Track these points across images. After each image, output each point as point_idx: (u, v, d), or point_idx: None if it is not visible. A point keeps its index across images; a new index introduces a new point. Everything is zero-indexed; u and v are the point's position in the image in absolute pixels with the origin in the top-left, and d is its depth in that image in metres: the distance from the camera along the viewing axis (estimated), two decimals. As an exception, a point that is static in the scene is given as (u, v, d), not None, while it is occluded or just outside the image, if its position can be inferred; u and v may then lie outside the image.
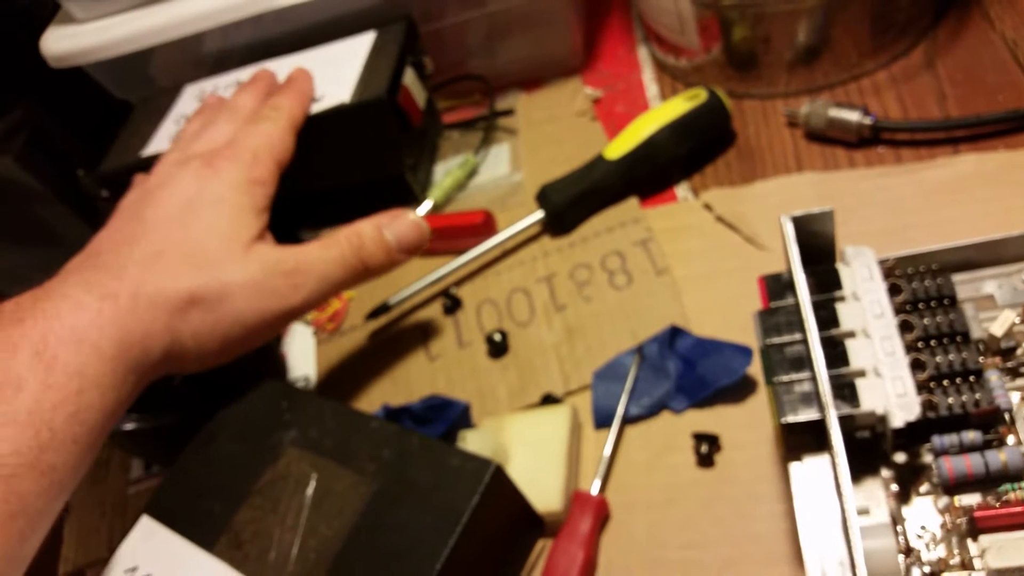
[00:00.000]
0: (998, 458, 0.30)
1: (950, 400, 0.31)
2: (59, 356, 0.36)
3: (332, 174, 0.57)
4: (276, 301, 0.43)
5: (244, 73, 0.59)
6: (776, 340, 0.33)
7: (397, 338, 0.52)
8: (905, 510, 0.31)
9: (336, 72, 0.55)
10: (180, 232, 0.43)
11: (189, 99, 0.59)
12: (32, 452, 0.34)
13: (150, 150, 0.57)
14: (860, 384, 0.31)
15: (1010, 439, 0.31)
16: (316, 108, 0.53)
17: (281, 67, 0.58)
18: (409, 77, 0.56)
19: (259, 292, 0.42)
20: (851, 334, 0.32)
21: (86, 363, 0.36)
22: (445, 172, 0.59)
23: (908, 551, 0.30)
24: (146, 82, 0.64)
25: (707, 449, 0.40)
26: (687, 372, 0.43)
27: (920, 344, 0.32)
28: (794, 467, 0.32)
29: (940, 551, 0.30)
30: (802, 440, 0.33)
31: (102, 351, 0.37)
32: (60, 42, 0.60)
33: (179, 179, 0.45)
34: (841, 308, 0.33)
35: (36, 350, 0.36)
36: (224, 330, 0.41)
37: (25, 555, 0.35)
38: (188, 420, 0.45)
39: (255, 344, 0.44)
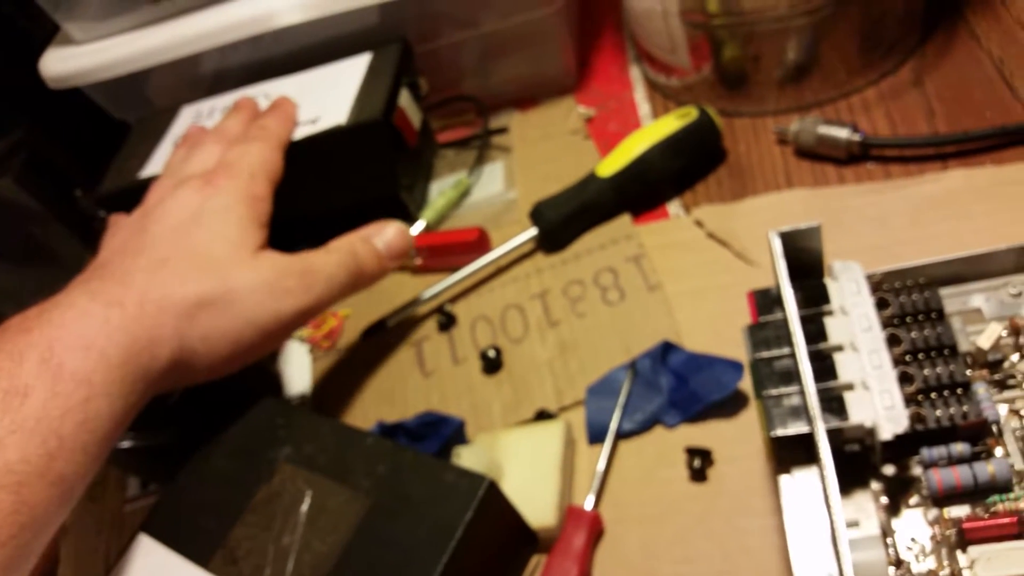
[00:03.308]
0: (986, 470, 0.30)
1: (938, 413, 0.31)
2: (66, 363, 0.36)
3: (328, 194, 0.58)
4: (290, 301, 0.43)
5: (240, 94, 0.59)
6: (765, 354, 0.34)
7: (392, 355, 0.53)
8: (895, 522, 0.31)
9: (332, 93, 0.56)
10: (186, 241, 0.43)
11: (186, 119, 0.60)
12: (41, 460, 0.34)
13: (148, 171, 0.57)
14: (848, 397, 0.31)
15: (998, 451, 0.31)
16: (313, 129, 0.54)
17: (277, 88, 0.58)
18: (404, 98, 0.56)
19: (272, 292, 0.43)
20: (839, 348, 0.33)
21: (94, 370, 0.36)
22: (439, 192, 0.60)
23: (898, 563, 0.30)
24: (144, 103, 0.65)
25: (700, 464, 0.41)
26: (679, 387, 0.43)
27: (908, 357, 0.32)
28: (784, 480, 0.33)
29: (930, 562, 0.30)
30: (792, 454, 0.33)
31: (109, 358, 0.37)
32: (59, 63, 0.60)
33: (180, 196, 0.46)
34: (829, 322, 0.33)
35: (43, 358, 0.36)
36: (235, 332, 0.42)
37: (28, 568, 0.34)
38: (185, 438, 0.45)
39: (266, 349, 0.44)
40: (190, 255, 0.42)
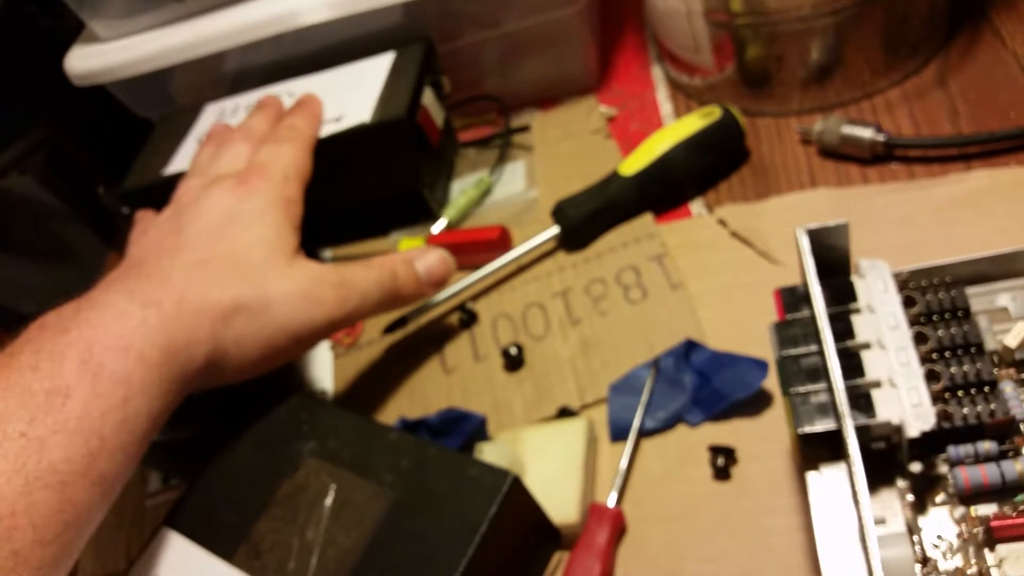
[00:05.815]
0: (1014, 468, 0.30)
1: (965, 410, 0.31)
2: (105, 364, 0.36)
3: (352, 192, 0.58)
4: (323, 310, 0.43)
5: (264, 93, 0.59)
6: (792, 352, 0.34)
7: (414, 352, 0.53)
8: (921, 520, 0.31)
9: (357, 92, 0.56)
10: (223, 243, 0.43)
11: (210, 117, 0.60)
12: (84, 460, 0.34)
13: (172, 168, 0.58)
14: (876, 395, 0.31)
15: (1025, 449, 0.31)
16: (337, 127, 0.54)
17: (301, 87, 0.59)
18: (428, 97, 0.56)
19: (306, 300, 0.43)
20: (866, 345, 0.33)
21: (132, 371, 0.37)
22: (460, 190, 0.60)
23: (925, 560, 0.30)
24: (167, 100, 0.65)
25: (723, 462, 0.40)
26: (703, 385, 0.43)
27: (935, 355, 0.32)
28: (811, 477, 0.33)
29: (957, 561, 0.30)
30: (818, 451, 0.33)
31: (147, 359, 0.37)
32: (84, 61, 0.61)
33: (214, 196, 0.46)
34: (856, 320, 0.33)
35: (82, 358, 0.36)
36: (267, 337, 0.42)
37: (71, 564, 0.35)
38: (207, 433, 0.45)
39: (295, 355, 0.44)
40: (228, 257, 0.43)
